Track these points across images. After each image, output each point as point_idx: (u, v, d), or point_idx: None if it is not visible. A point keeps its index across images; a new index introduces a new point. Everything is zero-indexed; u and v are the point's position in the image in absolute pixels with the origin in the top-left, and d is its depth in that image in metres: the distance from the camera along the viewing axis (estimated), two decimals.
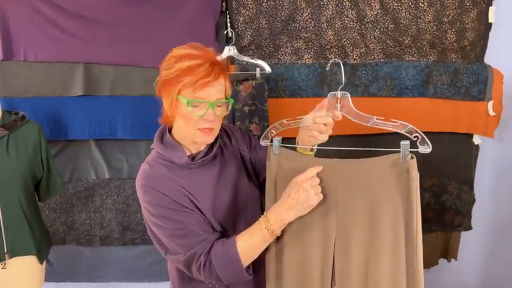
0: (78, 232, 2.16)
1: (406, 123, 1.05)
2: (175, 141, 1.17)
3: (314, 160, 1.13)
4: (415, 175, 1.03)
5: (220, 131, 1.19)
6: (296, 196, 1.05)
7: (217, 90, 1.10)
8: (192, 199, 1.13)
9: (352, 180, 1.08)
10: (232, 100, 1.16)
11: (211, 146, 1.20)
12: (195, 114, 1.08)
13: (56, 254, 2.18)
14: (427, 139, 1.04)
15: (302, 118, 1.14)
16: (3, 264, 1.64)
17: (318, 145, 1.17)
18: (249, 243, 1.08)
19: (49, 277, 2.11)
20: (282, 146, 1.15)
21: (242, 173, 1.25)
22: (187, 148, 1.18)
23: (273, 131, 1.19)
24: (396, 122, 1.05)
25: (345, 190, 1.08)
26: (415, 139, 1.04)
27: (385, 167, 1.05)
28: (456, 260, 2.33)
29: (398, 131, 1.06)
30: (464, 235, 2.31)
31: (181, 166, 1.15)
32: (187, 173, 1.15)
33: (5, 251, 1.63)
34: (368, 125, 1.08)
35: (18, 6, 1.92)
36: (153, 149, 1.21)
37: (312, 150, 1.18)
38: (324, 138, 1.12)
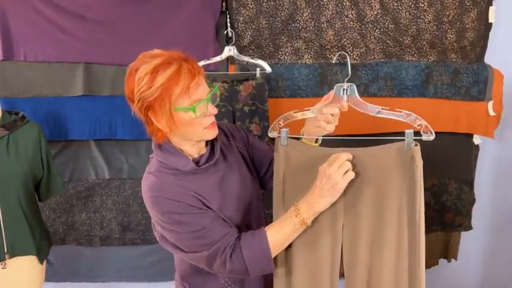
0: (78, 232, 2.16)
1: (410, 112, 1.09)
2: (176, 148, 1.14)
3: (320, 150, 1.15)
4: (419, 162, 1.05)
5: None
6: (321, 185, 1.07)
7: (204, 82, 1.09)
8: (203, 201, 1.13)
9: (359, 169, 1.09)
10: (216, 86, 1.12)
11: (212, 148, 1.19)
12: (200, 115, 1.07)
13: (56, 254, 2.18)
14: (430, 127, 1.07)
15: (309, 109, 1.17)
16: (3, 264, 1.64)
17: (322, 137, 1.21)
18: (280, 233, 1.10)
19: (49, 277, 2.11)
20: (289, 137, 1.18)
21: (244, 169, 1.26)
22: (187, 153, 1.16)
23: (280, 122, 1.21)
24: (400, 112, 1.09)
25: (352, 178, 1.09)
26: (419, 127, 1.08)
27: (391, 155, 1.08)
28: (456, 260, 2.33)
29: (402, 120, 1.09)
30: (464, 235, 2.31)
31: (187, 172, 1.13)
32: (192, 178, 1.14)
33: (5, 251, 1.63)
34: (373, 114, 1.11)
35: (18, 6, 1.92)
36: (152, 158, 1.18)
37: (316, 141, 1.21)
38: (331, 128, 1.15)
